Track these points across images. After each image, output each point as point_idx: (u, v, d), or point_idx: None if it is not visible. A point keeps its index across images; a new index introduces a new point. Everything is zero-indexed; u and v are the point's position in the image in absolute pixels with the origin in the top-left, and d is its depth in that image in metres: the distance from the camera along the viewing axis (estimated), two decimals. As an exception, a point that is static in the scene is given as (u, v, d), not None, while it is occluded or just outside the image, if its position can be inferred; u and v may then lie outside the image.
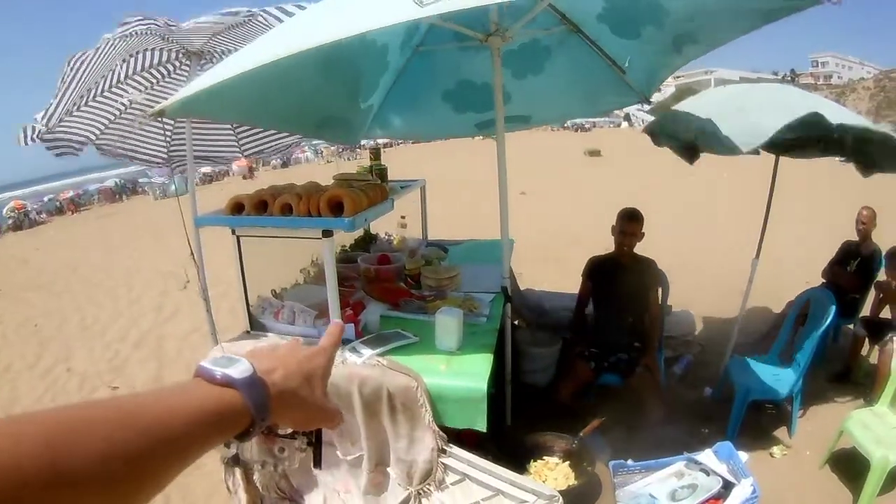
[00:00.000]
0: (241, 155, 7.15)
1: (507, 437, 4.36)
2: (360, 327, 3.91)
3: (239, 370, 0.87)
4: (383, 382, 3.38)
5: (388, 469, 3.59)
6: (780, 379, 5.57)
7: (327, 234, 3.50)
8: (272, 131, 6.79)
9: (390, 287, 4.65)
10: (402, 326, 3.99)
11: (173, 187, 25.21)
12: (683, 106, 5.74)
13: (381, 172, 5.02)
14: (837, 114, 4.68)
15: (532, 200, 19.40)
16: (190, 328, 8.90)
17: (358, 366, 3.48)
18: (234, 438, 0.89)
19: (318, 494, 3.82)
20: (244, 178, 38.34)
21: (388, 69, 5.15)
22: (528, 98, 5.56)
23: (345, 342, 3.67)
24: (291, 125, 5.08)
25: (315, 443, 1.24)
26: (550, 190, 22.23)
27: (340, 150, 42.26)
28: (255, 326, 3.94)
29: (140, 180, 39.20)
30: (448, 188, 18.84)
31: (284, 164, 43.46)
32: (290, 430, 1.17)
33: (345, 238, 5.80)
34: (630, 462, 4.57)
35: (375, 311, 4.15)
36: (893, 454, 4.49)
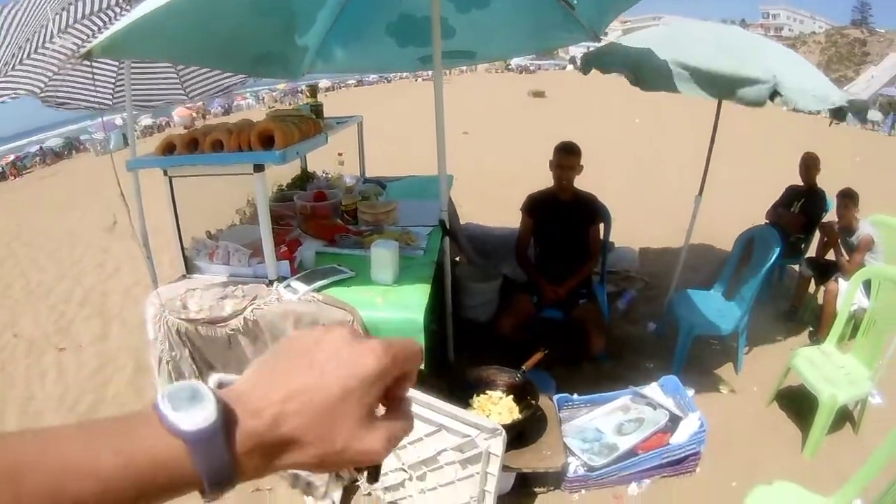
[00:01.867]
0: (186, 97, 6.94)
1: (449, 372, 4.31)
2: (295, 264, 3.85)
3: (195, 418, 0.59)
4: (319, 318, 3.33)
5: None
6: (725, 314, 5.54)
7: (258, 168, 3.37)
8: (216, 71, 6.59)
9: (326, 224, 4.56)
10: (338, 262, 3.91)
11: (111, 142, 24.79)
12: (622, 41, 5.64)
13: (317, 109, 4.92)
14: (777, 65, 4.62)
15: (474, 140, 19.46)
16: (132, 282, 8.76)
17: (293, 302, 3.40)
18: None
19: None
20: (186, 128, 37.58)
21: (326, 3, 4.99)
22: (472, 33, 5.42)
23: (280, 279, 3.59)
24: (227, 62, 4.92)
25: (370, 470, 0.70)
26: (493, 130, 22.19)
27: (282, 95, 41.74)
28: (191, 269, 3.84)
29: (81, 137, 38.33)
30: (392, 128, 18.79)
31: (226, 112, 42.72)
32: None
33: (282, 177, 5.70)
34: (575, 396, 4.56)
35: (311, 247, 4.08)
36: (842, 393, 4.50)
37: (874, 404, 5.10)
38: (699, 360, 5.68)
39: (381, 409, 0.71)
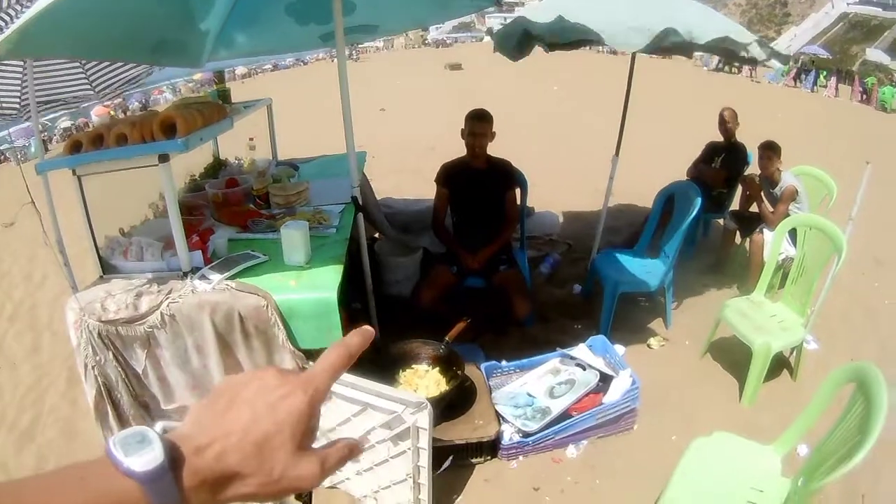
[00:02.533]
0: (93, 92, 6.75)
1: (373, 350, 4.27)
2: (208, 254, 3.76)
3: (143, 460, 0.64)
4: (234, 305, 3.28)
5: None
6: (650, 270, 5.56)
7: (163, 158, 3.29)
8: (119, 63, 6.33)
9: (239, 210, 4.51)
10: (251, 247, 3.87)
11: (32, 149, 24.23)
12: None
13: (224, 94, 4.88)
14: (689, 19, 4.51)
15: (392, 116, 19.36)
16: (60, 291, 8.50)
17: (208, 292, 3.34)
18: None
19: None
20: None
21: None
22: (373, 6, 5.27)
23: (194, 270, 3.52)
24: (126, 52, 4.77)
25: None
26: (411, 105, 22.12)
27: (199, 85, 41.15)
28: (108, 270, 3.73)
29: (1, 147, 37.40)
30: (307, 109, 18.66)
31: (144, 107, 42.02)
32: None
33: (194, 167, 5.60)
34: (504, 363, 4.55)
35: (223, 235, 4.03)
36: (775, 341, 4.58)
37: (810, 350, 5.20)
38: (628, 318, 5.70)
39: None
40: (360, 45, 51.44)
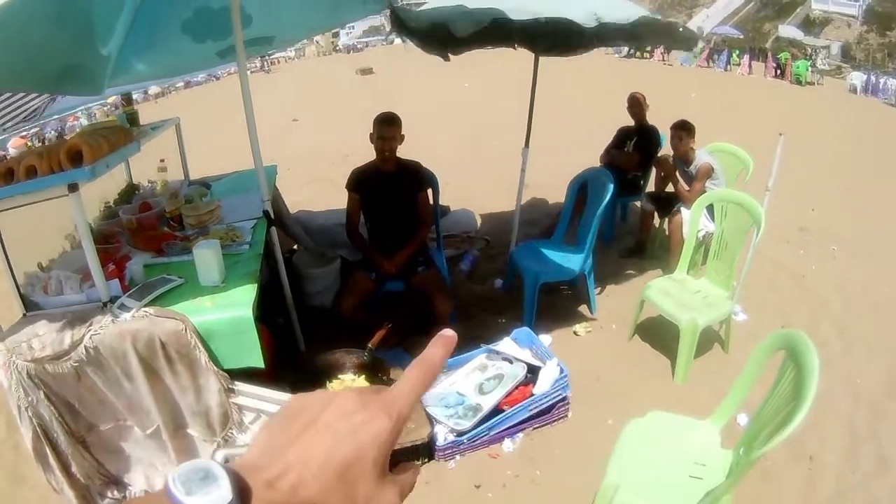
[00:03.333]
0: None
1: (299, 363, 4.28)
2: (126, 281, 3.72)
3: (210, 499, 0.54)
4: (154, 332, 3.26)
5: (189, 431, 3.49)
6: (569, 258, 5.62)
7: (72, 188, 3.25)
8: (18, 95, 6.17)
9: (154, 234, 4.47)
10: (167, 271, 3.84)
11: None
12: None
13: (132, 117, 4.84)
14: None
15: (304, 126, 19.27)
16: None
17: (127, 321, 3.31)
18: None
19: (138, 473, 3.71)
20: None
21: (123, 6, 4.77)
22: (269, 18, 5.20)
23: (113, 300, 3.48)
24: (27, 81, 4.62)
25: None
26: (323, 113, 22.07)
27: (113, 108, 40.52)
28: (30, 307, 3.66)
29: None
30: (219, 125, 18.50)
31: (60, 136, 41.16)
32: None
33: (108, 194, 5.52)
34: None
35: (139, 261, 3.98)
36: (701, 316, 4.67)
37: (739, 321, 5.36)
38: (552, 307, 5.75)
39: None
40: (270, 56, 50.95)
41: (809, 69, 29.45)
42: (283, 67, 56.14)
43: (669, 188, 6.71)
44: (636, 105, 7.24)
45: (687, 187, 6.17)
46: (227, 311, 3.34)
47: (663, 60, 36.88)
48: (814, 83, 28.75)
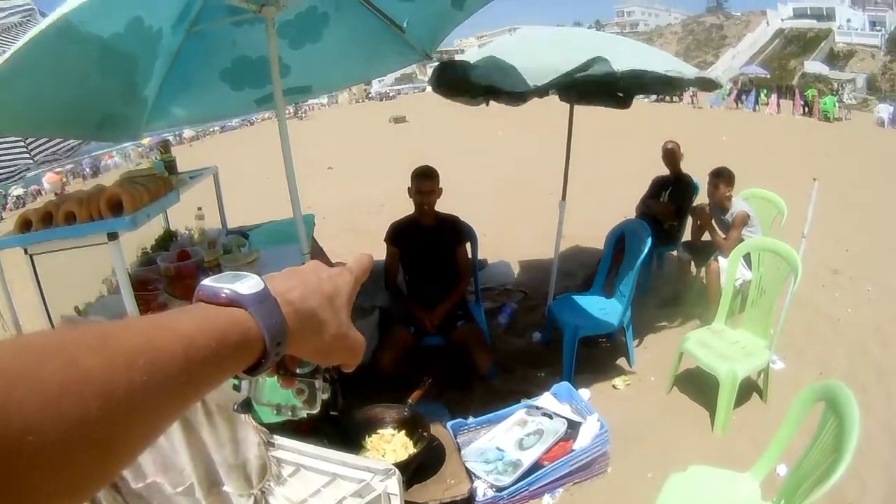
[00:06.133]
0: (32, 161, 6.63)
1: (338, 417, 4.23)
2: (164, 331, 3.66)
3: (247, 285, 0.69)
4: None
5: (224, 488, 3.40)
6: (608, 311, 5.58)
7: (112, 237, 3.25)
8: None
9: (192, 283, 4.39)
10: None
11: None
12: (466, 56, 5.64)
13: (170, 164, 4.78)
14: (628, 56, 4.64)
15: (339, 174, 19.36)
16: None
17: (166, 371, 3.24)
18: (245, 373, 0.70)
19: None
20: (56, 194, 36.40)
21: (160, 55, 4.78)
22: (307, 67, 5.36)
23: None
24: (71, 129, 4.70)
25: (336, 380, 0.86)
26: (358, 161, 22.17)
27: (148, 150, 40.98)
28: (66, 351, 3.62)
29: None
30: (255, 172, 18.63)
31: (95, 173, 41.53)
32: (308, 369, 0.92)
33: (145, 240, 5.50)
34: (470, 419, 4.49)
35: (177, 311, 3.91)
36: (740, 367, 4.59)
37: (777, 370, 5.22)
38: (590, 360, 5.65)
39: None
40: (304, 104, 51.48)
41: (836, 105, 29.40)
42: (317, 114, 56.62)
43: (706, 237, 6.64)
44: (670, 155, 7.21)
45: (723, 236, 6.10)
46: None
47: (692, 103, 36.91)
48: (841, 119, 28.88)
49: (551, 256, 6.61)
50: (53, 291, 3.65)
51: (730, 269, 5.19)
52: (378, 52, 5.51)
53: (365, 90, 75.62)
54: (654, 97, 40.11)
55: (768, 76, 44.60)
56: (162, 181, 3.96)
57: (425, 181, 5.04)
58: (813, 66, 51.48)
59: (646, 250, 5.23)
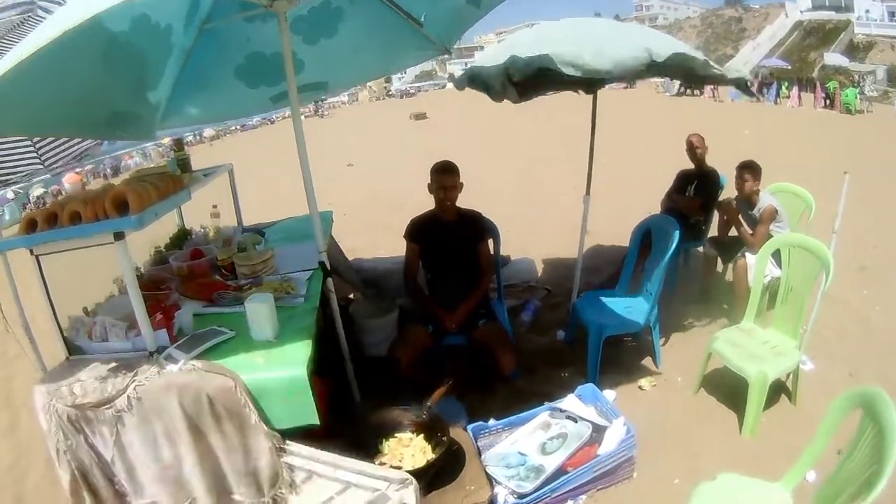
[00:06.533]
0: (42, 166, 6.55)
1: (355, 419, 4.12)
2: (174, 331, 3.58)
3: None
4: (202, 387, 3.11)
5: (234, 496, 3.31)
6: (634, 310, 5.42)
7: (118, 236, 3.15)
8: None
9: (205, 282, 4.35)
10: (218, 322, 3.69)
11: (6, 217, 24.06)
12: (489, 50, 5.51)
13: (183, 163, 4.67)
14: (659, 45, 4.34)
15: (360, 171, 19.44)
16: (34, 367, 8.36)
17: (175, 374, 3.17)
18: None
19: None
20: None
21: (172, 52, 4.71)
22: (322, 63, 5.24)
23: (160, 350, 3.36)
24: (77, 128, 4.57)
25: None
26: (378, 158, 22.24)
27: (168, 149, 41.47)
28: (73, 350, 3.56)
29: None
30: (273, 170, 18.66)
31: (116, 173, 41.78)
32: None
33: (159, 238, 5.41)
34: (491, 422, 4.39)
35: (188, 310, 3.82)
36: (771, 368, 4.45)
37: (806, 370, 5.05)
38: (615, 360, 5.50)
39: None
40: (324, 101, 52.19)
41: (858, 97, 29.26)
42: (337, 113, 57.45)
43: (732, 232, 6.50)
44: (694, 149, 7.07)
45: (751, 231, 5.99)
46: (281, 370, 3.18)
47: (713, 97, 36.90)
48: (863, 111, 28.76)
49: (574, 253, 6.48)
50: (64, 291, 3.56)
51: (758, 266, 5.04)
52: (396, 47, 5.44)
53: (385, 88, 76.51)
54: (673, 90, 40.22)
55: (789, 68, 44.39)
56: (172, 179, 3.88)
57: (446, 176, 4.91)
58: (833, 57, 51.23)
59: (673, 246, 5.09)
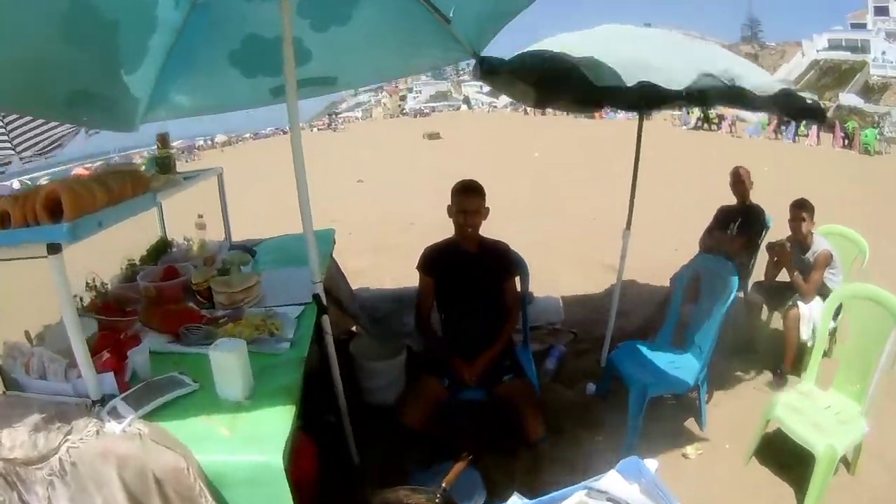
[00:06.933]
0: (15, 154, 5.87)
1: (352, 487, 3.43)
2: (126, 376, 2.85)
3: None
4: (146, 464, 2.35)
5: None
6: (681, 367, 4.70)
7: (53, 249, 2.41)
8: (40, 121, 5.30)
9: (175, 310, 3.62)
10: (182, 366, 2.96)
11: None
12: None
13: (163, 162, 4.15)
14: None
15: (369, 188, 19.20)
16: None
17: (116, 437, 2.42)
18: None
19: None
20: None
21: (156, 29, 4.00)
22: (332, 55, 4.60)
23: (105, 399, 2.64)
24: (31, 105, 3.76)
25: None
26: (389, 175, 22.13)
27: (180, 153, 41.64)
28: (10, 384, 2.88)
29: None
30: (283, 181, 18.41)
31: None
32: None
33: (137, 248, 4.81)
34: (514, 499, 3.63)
35: (149, 346, 3.10)
36: (839, 441, 3.86)
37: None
38: (654, 420, 4.73)
39: None
40: (339, 115, 53.79)
41: (878, 138, 29.47)
42: (351, 127, 59.25)
43: (780, 276, 5.95)
44: (740, 182, 6.48)
45: (803, 277, 5.47)
46: (248, 452, 2.36)
47: (731, 132, 37.29)
48: (881, 152, 29.00)
49: (599, 290, 5.85)
50: (15, 306, 2.88)
51: (824, 320, 4.54)
52: (417, 44, 4.78)
53: (399, 106, 78.19)
54: (690, 123, 40.16)
55: None
56: (133, 180, 3.16)
57: (468, 198, 4.10)
58: (847, 98, 51.42)
59: (732, 295, 4.51)
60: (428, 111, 77.67)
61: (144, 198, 3.20)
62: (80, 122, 4.59)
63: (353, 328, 5.53)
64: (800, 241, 5.61)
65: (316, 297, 3.52)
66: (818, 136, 33.40)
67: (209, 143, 51.22)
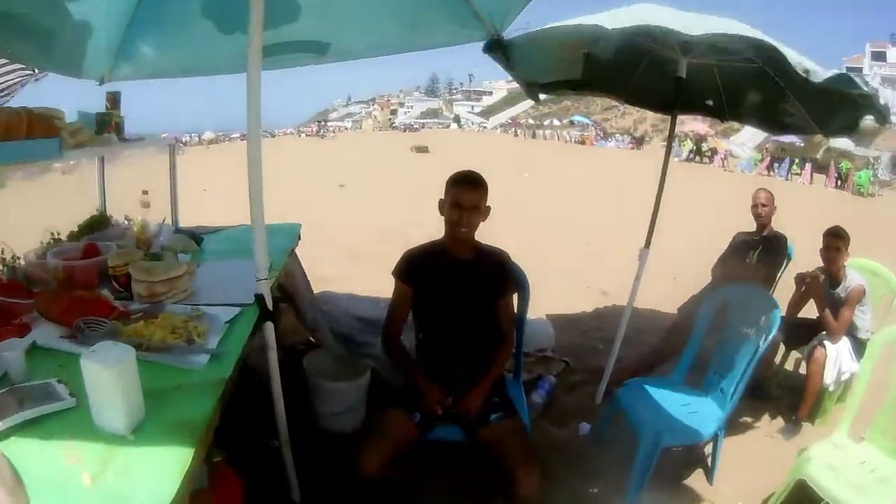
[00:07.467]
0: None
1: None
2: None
3: None
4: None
5: None
6: (700, 414, 4.10)
7: None
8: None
9: (81, 297, 2.84)
10: (65, 371, 2.21)
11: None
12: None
13: (104, 119, 3.96)
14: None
15: (350, 193, 19.45)
16: None
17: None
18: None
19: None
20: (63, 173, 36.73)
21: None
22: (326, 16, 3.88)
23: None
24: None
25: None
26: (372, 183, 22.40)
27: (207, 146, 42.57)
28: None
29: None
30: (267, 183, 18.64)
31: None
32: None
33: (68, 222, 4.27)
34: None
35: (25, 344, 2.34)
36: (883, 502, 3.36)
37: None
38: (658, 470, 3.97)
39: None
40: (327, 123, 55.75)
41: (871, 179, 30.80)
42: (339, 136, 62.28)
43: (804, 311, 5.56)
44: (761, 207, 5.95)
45: (832, 314, 5.01)
46: None
47: (723, 166, 38.25)
48: (874, 195, 29.78)
49: (591, 312, 5.23)
50: None
51: (864, 366, 3.93)
52: (430, 15, 4.11)
53: (390, 120, 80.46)
54: (682, 155, 40.43)
55: (802, 145, 44.87)
56: (40, 121, 2.53)
57: (467, 190, 3.26)
58: (838, 140, 52.02)
59: (773, 332, 3.90)
60: (418, 126, 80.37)
61: (45, 142, 2.63)
62: (17, 57, 4.10)
63: (311, 338, 4.89)
64: (832, 274, 5.13)
65: (259, 297, 2.85)
66: (811, 176, 34.40)
67: (196, 138, 51.44)
